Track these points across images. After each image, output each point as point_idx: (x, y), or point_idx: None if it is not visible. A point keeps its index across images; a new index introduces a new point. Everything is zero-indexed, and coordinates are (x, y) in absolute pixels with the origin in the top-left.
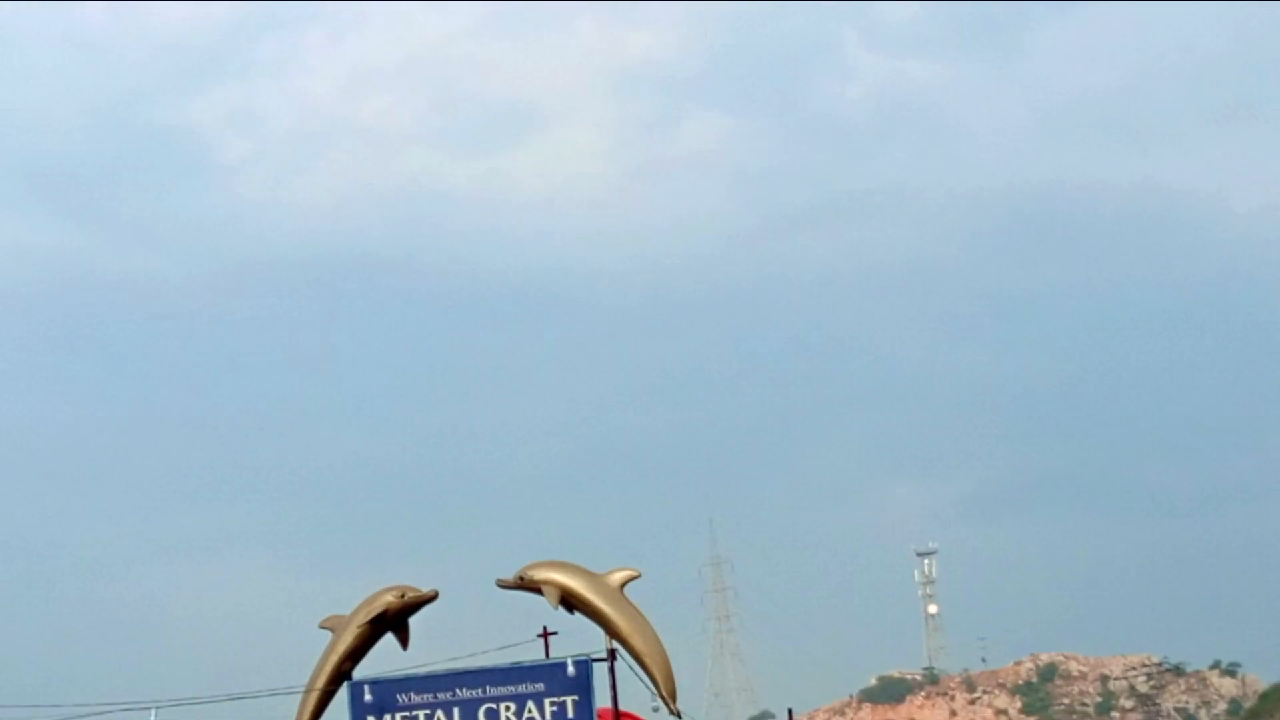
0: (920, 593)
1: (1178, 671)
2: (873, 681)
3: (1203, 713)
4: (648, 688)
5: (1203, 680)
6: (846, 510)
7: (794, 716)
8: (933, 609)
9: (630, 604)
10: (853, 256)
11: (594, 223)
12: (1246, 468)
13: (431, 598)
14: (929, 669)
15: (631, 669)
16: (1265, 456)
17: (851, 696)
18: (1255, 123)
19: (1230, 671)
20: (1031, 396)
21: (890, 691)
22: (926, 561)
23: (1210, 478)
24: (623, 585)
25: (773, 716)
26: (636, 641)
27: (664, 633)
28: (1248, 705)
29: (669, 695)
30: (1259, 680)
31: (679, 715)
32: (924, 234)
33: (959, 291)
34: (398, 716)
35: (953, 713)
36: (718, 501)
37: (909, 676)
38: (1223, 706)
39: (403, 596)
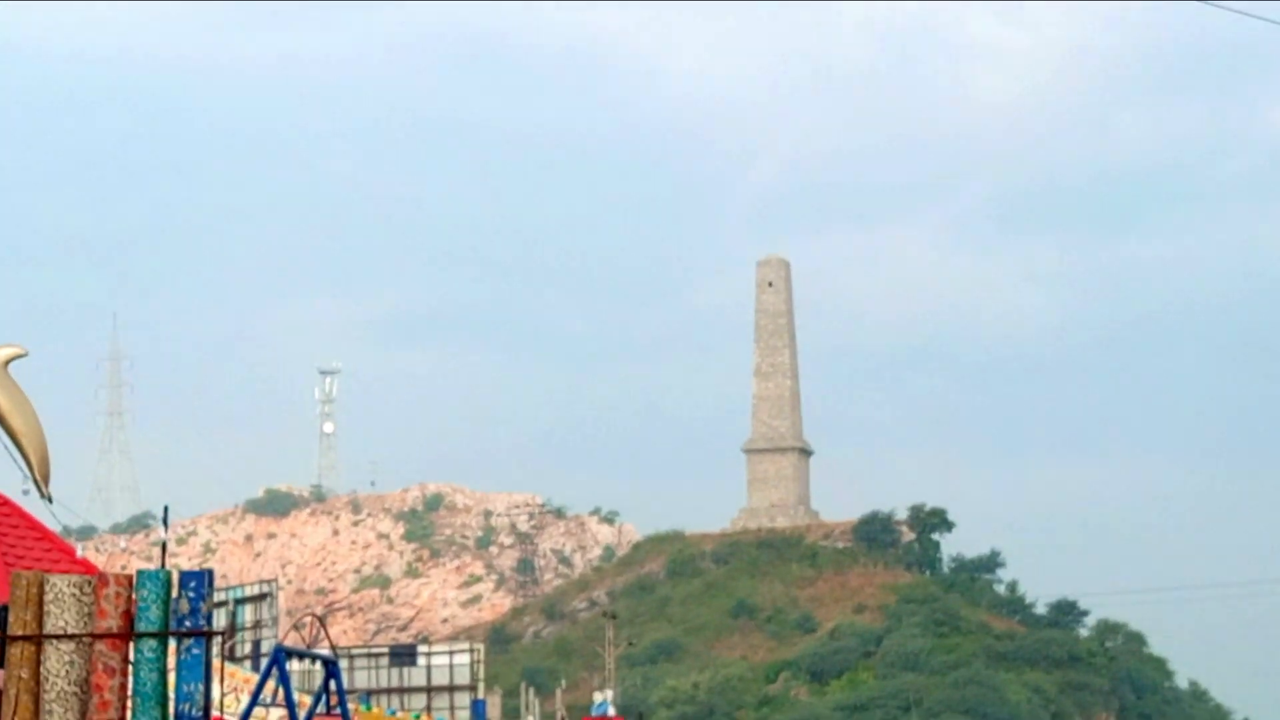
0: (318, 410)
1: (559, 514)
2: (260, 493)
3: (578, 556)
4: (20, 469)
5: (581, 525)
6: (257, 319)
7: (174, 520)
8: (329, 428)
9: (12, 382)
10: (285, 61)
11: None
12: (653, 324)
13: None
14: (317, 486)
15: (5, 449)
16: (674, 313)
17: (237, 506)
18: None
19: (609, 519)
20: (456, 227)
21: (276, 505)
22: (328, 380)
23: (616, 330)
24: (6, 363)
25: (154, 517)
26: (14, 421)
27: (53, 422)
28: (621, 553)
29: (42, 479)
30: (634, 530)
31: (50, 499)
32: (360, 47)
33: (392, 110)
34: None
35: (335, 532)
36: (124, 296)
37: (297, 492)
38: (598, 552)
39: None
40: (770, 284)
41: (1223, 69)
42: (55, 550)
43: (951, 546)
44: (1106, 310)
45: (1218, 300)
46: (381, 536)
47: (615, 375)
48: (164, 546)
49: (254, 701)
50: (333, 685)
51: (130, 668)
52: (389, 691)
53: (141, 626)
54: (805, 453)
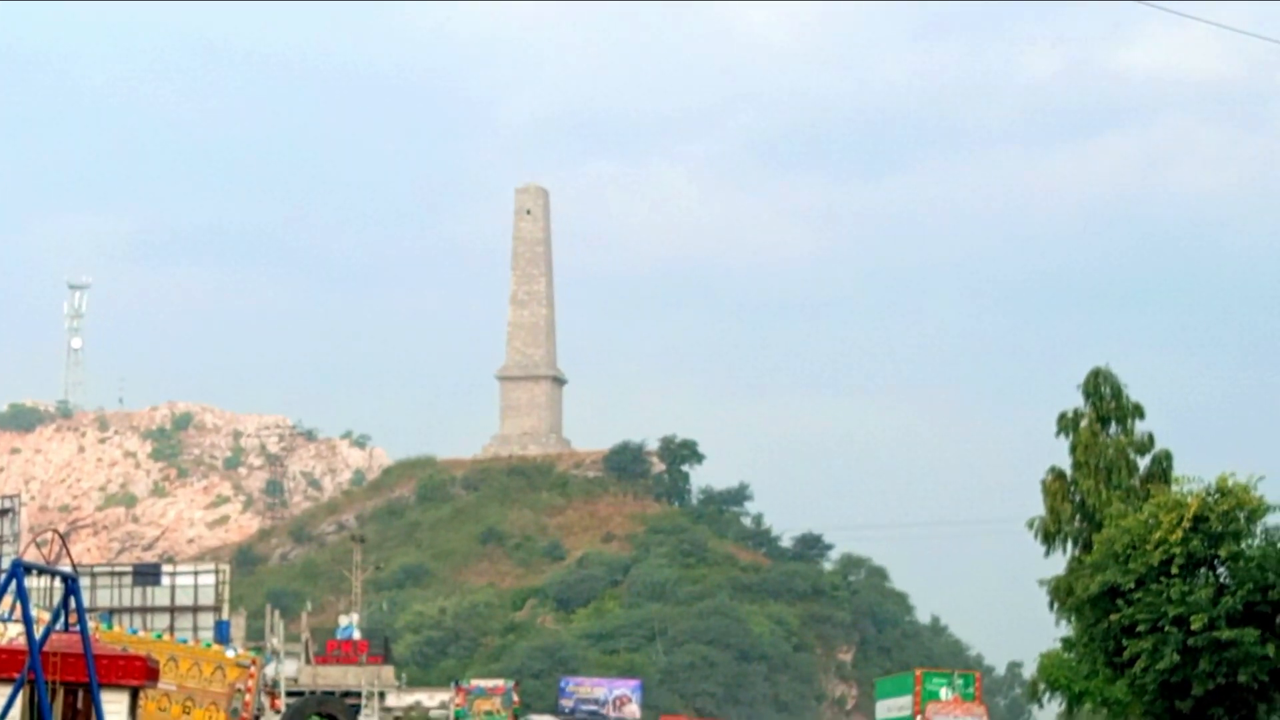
0: (66, 325)
1: (309, 436)
2: (4, 408)
3: (327, 479)
4: None
5: (332, 448)
6: (3, 230)
7: None
8: (76, 343)
9: None
10: None
11: None
12: (413, 249)
13: None
14: (64, 402)
15: None
16: (434, 239)
17: None
18: None
19: (360, 443)
20: (218, 146)
21: (21, 420)
22: (78, 294)
23: (375, 255)
24: None
25: None
26: None
27: None
28: (371, 477)
29: None
30: (385, 455)
31: None
32: None
33: (156, 26)
34: None
35: (81, 449)
36: None
37: (42, 407)
38: (348, 475)
39: None
40: (528, 212)
41: (984, 13)
42: None
43: (701, 478)
44: (865, 250)
45: (973, 243)
46: (128, 454)
47: (372, 299)
48: None
49: None
50: (72, 603)
51: None
52: (132, 610)
53: None
54: (559, 381)
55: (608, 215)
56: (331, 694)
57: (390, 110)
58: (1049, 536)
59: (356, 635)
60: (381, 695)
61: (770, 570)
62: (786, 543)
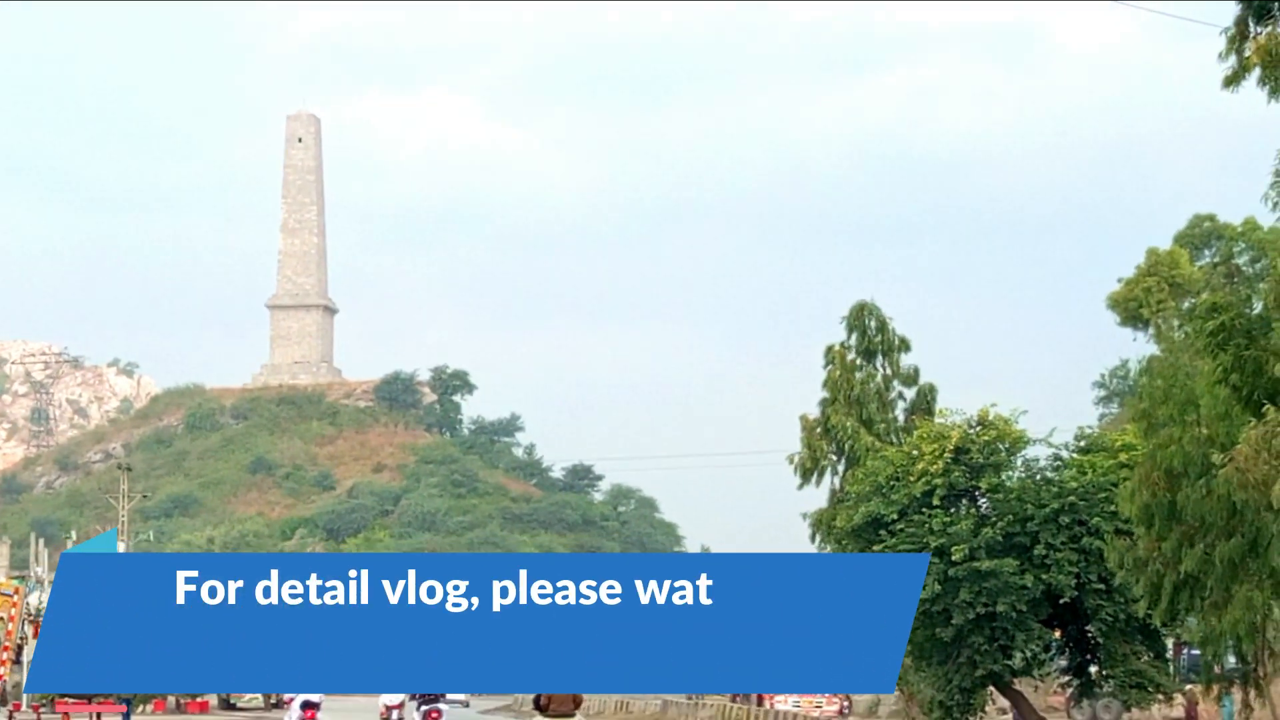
0: None
1: (76, 364)
2: None
3: (94, 407)
4: None
5: (99, 376)
6: None
7: None
8: None
9: None
10: None
11: None
12: (182, 175)
13: None
14: None
15: None
16: (204, 165)
17: None
18: None
19: (128, 371)
20: None
21: None
22: None
23: (143, 180)
24: None
25: None
26: None
27: None
28: (139, 406)
29: None
30: (153, 383)
31: None
32: None
33: None
34: None
35: None
36: None
37: None
38: (115, 403)
39: None
40: (300, 140)
41: None
42: None
43: (472, 409)
44: (638, 182)
45: (745, 177)
46: None
47: (141, 225)
48: None
49: None
50: None
51: None
52: None
53: None
54: (330, 310)
55: (381, 144)
56: None
57: (160, 35)
58: (806, 472)
59: None
60: None
61: (541, 501)
62: (557, 473)
